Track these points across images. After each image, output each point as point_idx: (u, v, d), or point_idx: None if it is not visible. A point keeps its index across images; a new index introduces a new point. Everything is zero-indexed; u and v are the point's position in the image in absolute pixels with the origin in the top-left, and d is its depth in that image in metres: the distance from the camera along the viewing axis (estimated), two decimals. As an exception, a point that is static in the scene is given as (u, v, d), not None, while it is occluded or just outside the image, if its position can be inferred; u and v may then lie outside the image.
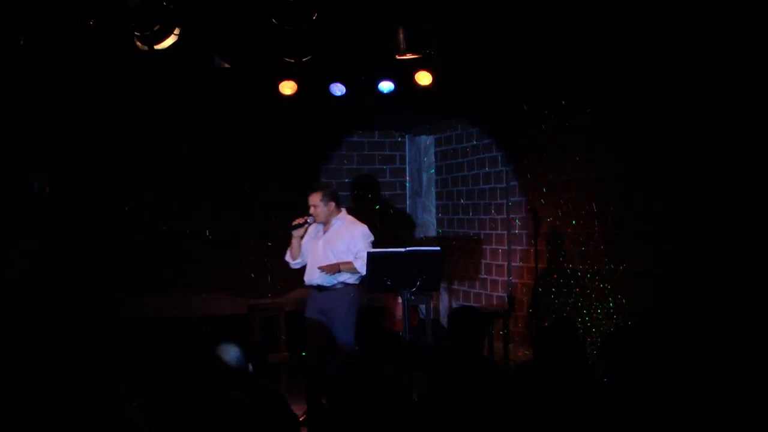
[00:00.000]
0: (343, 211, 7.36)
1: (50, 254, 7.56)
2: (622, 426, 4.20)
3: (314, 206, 7.19)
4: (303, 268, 7.40)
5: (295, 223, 7.23)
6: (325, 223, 7.27)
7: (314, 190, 7.29)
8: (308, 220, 7.22)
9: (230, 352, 4.72)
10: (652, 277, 7.10)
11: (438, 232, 10.64)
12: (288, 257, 7.44)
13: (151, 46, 6.46)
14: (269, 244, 9.94)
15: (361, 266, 6.97)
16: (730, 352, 5.87)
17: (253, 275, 9.85)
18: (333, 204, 7.25)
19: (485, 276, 9.78)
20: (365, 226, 7.33)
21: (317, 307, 7.24)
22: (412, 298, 6.92)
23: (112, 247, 8.54)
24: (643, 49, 6.67)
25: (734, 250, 6.07)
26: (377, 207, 10.54)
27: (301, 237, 7.28)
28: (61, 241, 7.72)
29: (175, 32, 6.48)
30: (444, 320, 10.17)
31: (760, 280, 5.86)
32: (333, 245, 7.20)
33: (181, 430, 4.47)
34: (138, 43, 6.50)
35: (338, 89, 7.96)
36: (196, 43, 6.82)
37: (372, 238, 7.27)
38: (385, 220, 10.39)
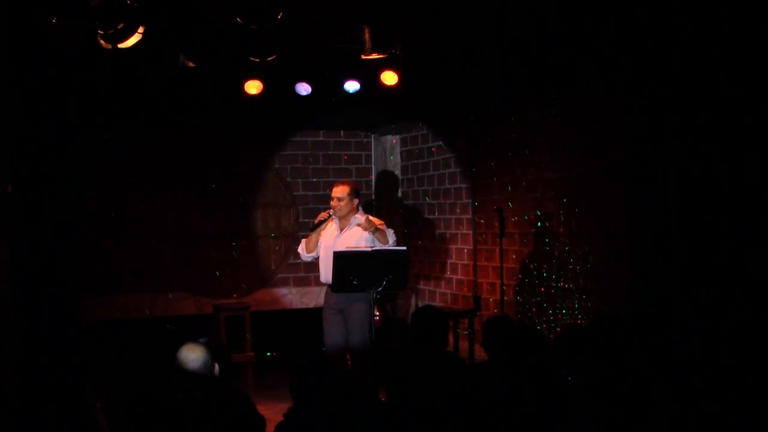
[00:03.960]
0: (361, 210, 7.38)
1: (12, 254, 7.48)
2: (586, 425, 4.22)
3: (339, 199, 7.20)
4: (316, 266, 7.43)
5: (318, 219, 7.22)
6: (342, 219, 7.26)
7: (342, 183, 7.37)
8: (331, 214, 7.20)
9: (196, 355, 4.68)
10: (617, 276, 7.17)
11: (404, 231, 10.66)
12: (302, 249, 7.42)
13: (114, 45, 6.40)
14: (233, 243, 9.95)
15: (391, 236, 7.16)
16: (694, 351, 5.93)
17: (218, 274, 9.84)
18: (356, 201, 7.31)
19: (451, 276, 9.82)
20: (381, 222, 7.39)
21: (337, 306, 7.21)
22: (378, 297, 6.94)
23: (75, 247, 8.46)
24: (607, 50, 6.72)
25: (700, 249, 6.12)
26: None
27: (321, 230, 7.26)
28: (24, 242, 7.64)
29: (139, 31, 6.43)
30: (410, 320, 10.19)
31: (726, 278, 5.92)
32: (351, 243, 7.18)
33: (145, 430, 4.44)
34: (101, 42, 6.45)
35: (304, 89, 7.94)
36: (160, 41, 6.77)
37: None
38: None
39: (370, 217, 7.23)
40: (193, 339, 4.84)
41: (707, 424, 4.38)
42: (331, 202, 7.26)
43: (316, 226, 7.25)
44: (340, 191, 7.24)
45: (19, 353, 7.28)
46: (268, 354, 8.87)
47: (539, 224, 8.22)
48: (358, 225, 7.17)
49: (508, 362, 4.70)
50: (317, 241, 7.31)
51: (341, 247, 7.05)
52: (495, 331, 5.14)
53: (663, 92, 6.36)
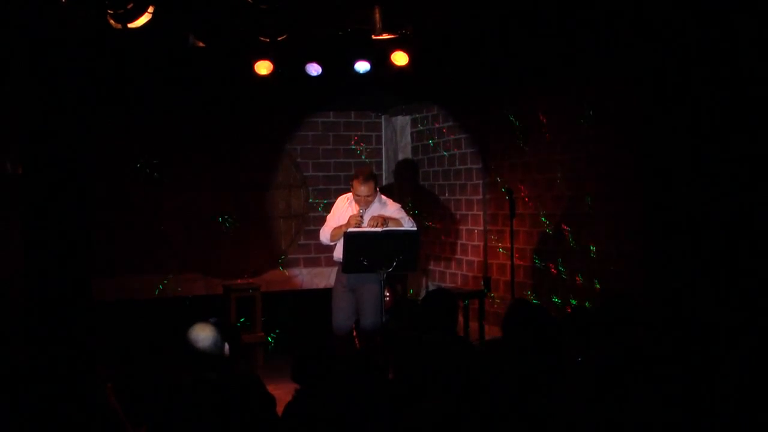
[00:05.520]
0: (379, 193, 7.34)
1: (24, 235, 7.50)
2: (596, 405, 4.22)
3: (369, 196, 7.12)
4: (327, 247, 7.45)
5: (355, 224, 7.02)
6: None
7: (367, 179, 7.15)
8: (361, 213, 7.11)
9: (206, 335, 4.69)
10: (627, 258, 7.15)
11: (414, 213, 10.65)
12: (325, 236, 7.35)
13: (124, 25, 6.39)
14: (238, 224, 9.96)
15: (408, 223, 7.10)
16: (703, 333, 5.91)
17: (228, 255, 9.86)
18: (377, 188, 7.29)
19: (461, 256, 9.81)
20: (398, 204, 7.38)
21: (349, 285, 7.20)
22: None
23: (86, 228, 8.49)
24: (621, 30, 6.68)
25: (711, 232, 6.10)
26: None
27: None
28: (34, 223, 7.66)
29: (148, 11, 6.41)
30: (420, 301, 10.19)
31: (733, 263, 5.90)
32: (367, 223, 7.16)
33: (155, 411, 4.45)
34: (111, 22, 6.43)
35: (314, 69, 7.92)
36: (170, 22, 6.76)
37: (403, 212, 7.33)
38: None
39: (385, 213, 7.18)
40: (203, 319, 4.85)
41: (714, 404, 4.37)
42: (358, 198, 7.14)
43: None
44: (367, 189, 7.11)
45: (30, 333, 7.31)
46: (271, 337, 8.87)
47: (550, 205, 8.19)
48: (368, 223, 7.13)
49: (519, 343, 4.71)
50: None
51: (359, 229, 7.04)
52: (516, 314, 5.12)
53: (677, 73, 6.32)
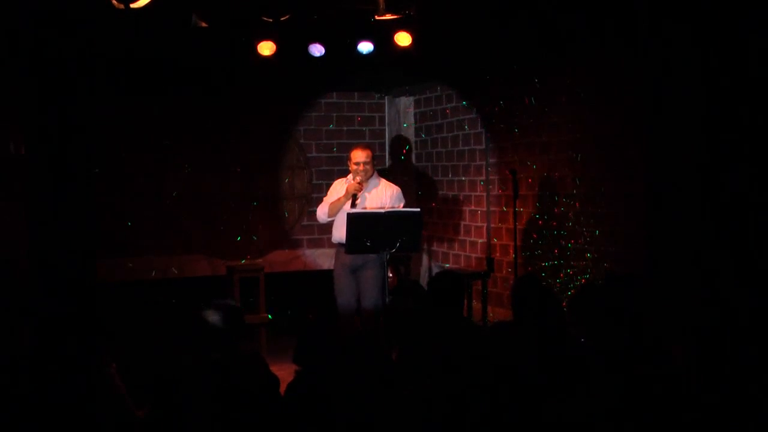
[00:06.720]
0: (376, 172, 7.35)
1: (26, 216, 7.51)
2: (599, 387, 4.23)
3: (366, 163, 7.16)
4: (330, 227, 7.43)
5: (353, 192, 7.06)
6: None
7: (364, 147, 7.31)
8: (360, 181, 7.14)
9: (218, 316, 4.69)
10: (630, 238, 7.14)
11: (417, 193, 10.65)
12: (322, 213, 7.34)
13: (127, 5, 6.37)
14: (254, 203, 9.98)
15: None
16: (702, 313, 5.92)
17: (239, 238, 9.86)
18: (375, 162, 7.31)
19: (464, 237, 9.81)
20: (399, 188, 7.37)
21: (351, 266, 7.21)
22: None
23: (90, 209, 8.50)
24: (624, 11, 6.66)
25: (714, 211, 6.09)
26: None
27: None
28: (38, 203, 7.67)
29: (151, -10, 6.40)
30: (423, 281, 10.22)
31: (736, 242, 5.90)
32: (374, 205, 7.16)
33: (159, 391, 4.47)
34: (114, 2, 6.42)
35: (317, 50, 7.90)
36: (173, 1, 6.74)
37: (404, 199, 7.35)
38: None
39: (381, 195, 7.18)
40: (216, 299, 4.85)
41: (715, 381, 4.38)
42: (357, 167, 7.17)
43: (354, 199, 7.10)
44: (364, 156, 7.17)
45: (34, 314, 7.33)
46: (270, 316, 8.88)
47: (553, 186, 8.18)
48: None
49: (523, 323, 4.71)
50: (341, 208, 7.21)
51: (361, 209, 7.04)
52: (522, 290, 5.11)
53: (682, 55, 6.29)
